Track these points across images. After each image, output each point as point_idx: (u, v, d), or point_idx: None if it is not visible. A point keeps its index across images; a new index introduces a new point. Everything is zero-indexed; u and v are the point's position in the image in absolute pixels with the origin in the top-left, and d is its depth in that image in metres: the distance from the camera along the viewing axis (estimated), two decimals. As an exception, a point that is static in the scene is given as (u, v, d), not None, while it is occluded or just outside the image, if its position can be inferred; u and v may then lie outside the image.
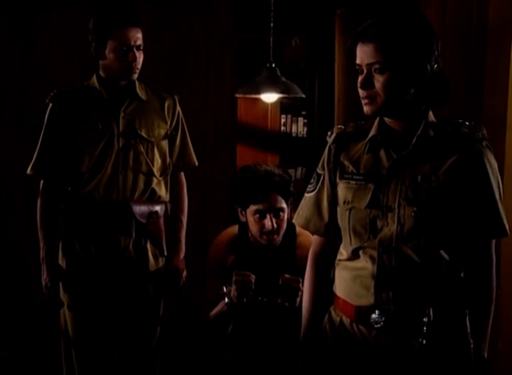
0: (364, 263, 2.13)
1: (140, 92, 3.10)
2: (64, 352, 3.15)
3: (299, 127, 9.02)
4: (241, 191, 3.01)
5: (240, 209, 3.06)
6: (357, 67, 2.06)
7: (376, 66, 2.01)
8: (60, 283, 3.06)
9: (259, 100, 7.19)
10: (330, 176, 2.23)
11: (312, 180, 2.29)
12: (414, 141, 2.07)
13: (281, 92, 3.64)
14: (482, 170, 2.06)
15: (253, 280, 2.83)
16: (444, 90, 2.09)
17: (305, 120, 8.60)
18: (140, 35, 3.00)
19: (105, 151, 3.02)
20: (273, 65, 3.66)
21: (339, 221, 2.20)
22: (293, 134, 9.09)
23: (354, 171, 2.16)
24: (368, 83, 2.03)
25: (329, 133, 2.26)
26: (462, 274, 2.12)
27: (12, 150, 4.12)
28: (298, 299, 2.83)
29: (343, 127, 2.25)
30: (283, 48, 8.72)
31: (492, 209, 2.07)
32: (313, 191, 2.28)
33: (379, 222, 2.10)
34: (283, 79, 3.67)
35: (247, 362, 2.99)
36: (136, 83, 3.08)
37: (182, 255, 3.21)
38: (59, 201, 3.07)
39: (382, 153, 2.13)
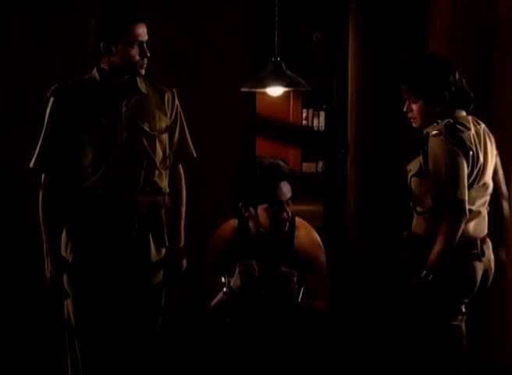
0: None
1: (141, 86, 3.12)
2: (68, 343, 3.19)
3: (320, 121, 9.03)
4: (251, 190, 3.06)
5: (245, 206, 3.10)
6: None
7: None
8: (64, 275, 3.09)
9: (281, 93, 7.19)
10: None
11: None
12: None
13: (286, 86, 3.64)
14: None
15: (256, 269, 2.90)
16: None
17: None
18: (146, 30, 3.05)
19: (108, 145, 3.05)
20: (278, 58, 3.64)
21: None
22: (315, 128, 9.11)
23: None
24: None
25: None
26: None
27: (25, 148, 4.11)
28: (292, 292, 2.90)
29: None
30: (305, 43, 8.73)
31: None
32: None
33: None
34: (288, 72, 3.65)
35: (245, 353, 3.02)
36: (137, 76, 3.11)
37: (181, 245, 3.24)
38: (61, 194, 3.10)
39: None
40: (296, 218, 3.21)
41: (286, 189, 3.04)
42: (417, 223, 3.26)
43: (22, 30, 4.23)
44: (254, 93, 5.25)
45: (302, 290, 2.94)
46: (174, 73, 4.40)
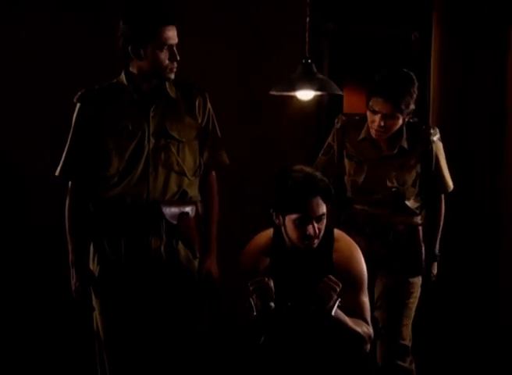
0: None
1: (170, 90, 3.02)
2: (98, 356, 3.11)
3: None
4: (281, 198, 2.88)
5: (275, 213, 2.94)
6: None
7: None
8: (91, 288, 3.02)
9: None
10: None
11: None
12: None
13: (317, 89, 3.42)
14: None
15: (270, 283, 2.76)
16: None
17: (420, 119, 8.22)
18: (176, 33, 2.95)
19: (136, 152, 2.96)
20: (309, 61, 3.43)
21: None
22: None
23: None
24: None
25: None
26: None
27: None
28: (330, 304, 2.74)
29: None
30: (403, 45, 8.36)
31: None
32: None
33: None
34: (319, 75, 3.45)
35: (280, 370, 2.89)
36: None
37: (214, 256, 3.12)
38: (88, 202, 3.02)
39: None
40: (336, 230, 3.02)
41: (316, 205, 2.83)
42: (411, 218, 3.58)
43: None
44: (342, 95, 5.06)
45: (337, 303, 2.76)
46: (233, 78, 4.31)
